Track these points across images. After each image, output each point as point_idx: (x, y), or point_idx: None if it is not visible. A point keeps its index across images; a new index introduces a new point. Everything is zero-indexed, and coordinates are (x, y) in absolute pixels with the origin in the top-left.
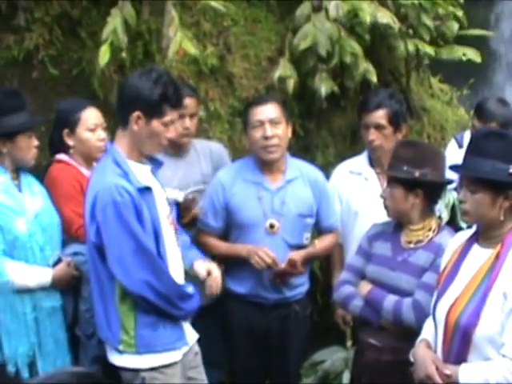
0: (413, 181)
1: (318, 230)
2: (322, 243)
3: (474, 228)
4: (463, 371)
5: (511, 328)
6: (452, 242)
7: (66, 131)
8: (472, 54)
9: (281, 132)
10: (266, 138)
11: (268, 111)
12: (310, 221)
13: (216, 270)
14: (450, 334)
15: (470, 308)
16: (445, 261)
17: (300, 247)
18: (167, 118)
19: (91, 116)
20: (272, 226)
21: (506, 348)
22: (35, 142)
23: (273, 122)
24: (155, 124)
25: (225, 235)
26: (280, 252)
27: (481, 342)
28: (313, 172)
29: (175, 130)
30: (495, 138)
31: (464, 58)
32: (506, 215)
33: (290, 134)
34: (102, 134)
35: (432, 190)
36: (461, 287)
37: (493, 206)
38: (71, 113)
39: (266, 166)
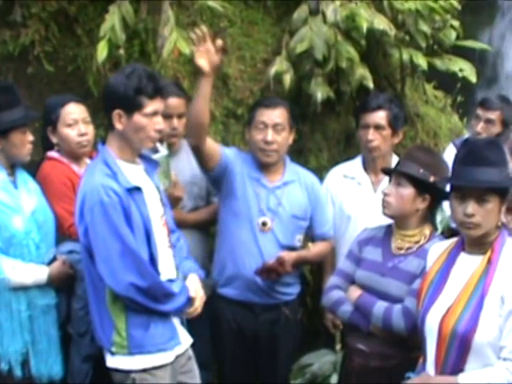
0: (426, 184)
1: (311, 238)
2: (315, 248)
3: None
4: (463, 379)
5: (510, 331)
6: (432, 252)
7: (49, 128)
8: (468, 71)
9: (281, 139)
10: (265, 142)
11: (274, 115)
12: (304, 223)
13: (201, 292)
14: (446, 344)
15: (467, 315)
16: (428, 270)
17: (291, 248)
18: (148, 110)
19: (70, 111)
20: (264, 224)
21: (506, 351)
22: (30, 138)
23: (276, 128)
24: (137, 118)
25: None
26: (271, 250)
27: (480, 348)
28: (310, 178)
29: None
30: (492, 145)
31: (460, 74)
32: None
33: (290, 141)
34: (82, 128)
35: (438, 199)
36: (453, 296)
37: (499, 214)
38: (52, 110)
39: (264, 165)
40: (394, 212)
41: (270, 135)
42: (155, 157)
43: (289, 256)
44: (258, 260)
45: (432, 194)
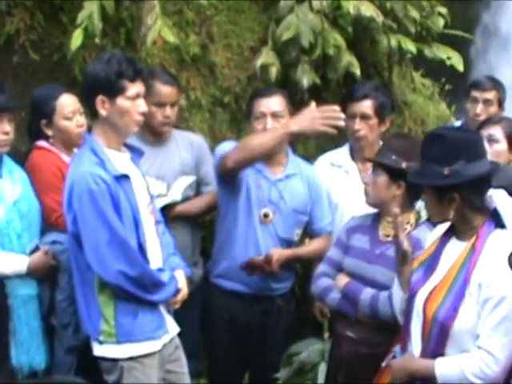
0: (398, 171)
1: (310, 232)
2: (312, 245)
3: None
4: (439, 363)
5: (486, 318)
6: (433, 234)
7: (43, 122)
8: (456, 60)
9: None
10: (266, 131)
11: (272, 104)
12: (303, 218)
13: (185, 289)
14: (429, 327)
15: (448, 302)
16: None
17: (290, 242)
18: (131, 93)
19: (67, 103)
20: (266, 216)
21: (481, 339)
22: (4, 128)
23: (275, 116)
24: (120, 101)
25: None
26: (269, 243)
27: (459, 335)
28: (311, 172)
29: (156, 116)
30: (436, 140)
31: (448, 63)
32: (462, 211)
33: None
34: (80, 119)
35: (415, 185)
36: (437, 280)
37: (439, 205)
38: (46, 102)
39: None
40: (373, 200)
41: (270, 123)
42: (167, 201)
43: (280, 254)
44: (255, 252)
45: (406, 180)
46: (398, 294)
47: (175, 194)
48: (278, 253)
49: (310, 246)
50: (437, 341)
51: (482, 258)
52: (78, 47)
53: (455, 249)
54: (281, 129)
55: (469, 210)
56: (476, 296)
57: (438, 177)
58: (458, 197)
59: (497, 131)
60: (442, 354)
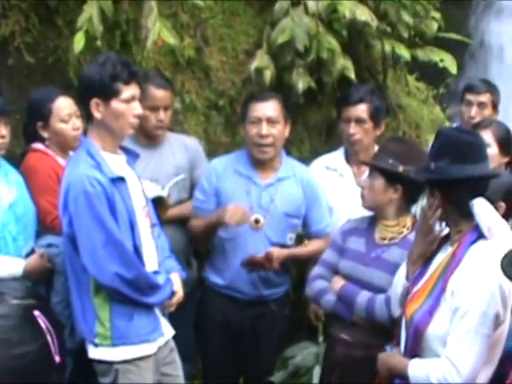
0: (395, 175)
1: (308, 235)
2: (310, 247)
3: None
4: (412, 364)
5: (454, 328)
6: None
7: (39, 124)
8: (449, 62)
9: (276, 132)
10: (260, 136)
11: (267, 109)
12: (296, 221)
13: (181, 292)
14: (407, 328)
15: (425, 306)
16: None
17: (283, 246)
18: (125, 95)
19: (63, 106)
20: (257, 222)
21: (448, 348)
22: (1, 132)
23: (270, 121)
24: (115, 104)
25: None
26: (262, 248)
27: (432, 340)
28: (306, 174)
29: (149, 119)
30: (437, 137)
31: (441, 65)
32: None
33: (287, 134)
34: (76, 122)
35: (412, 189)
36: (422, 283)
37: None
38: (42, 104)
39: (259, 161)
40: (369, 204)
41: (265, 128)
42: (152, 196)
43: (279, 253)
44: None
45: (403, 184)
46: (401, 283)
47: (162, 191)
48: (277, 251)
49: (309, 247)
50: (413, 342)
51: (460, 267)
52: (81, 50)
53: (444, 254)
54: (211, 218)
55: (455, 212)
56: (449, 303)
57: (426, 171)
58: (439, 194)
59: (487, 135)
60: (418, 356)
